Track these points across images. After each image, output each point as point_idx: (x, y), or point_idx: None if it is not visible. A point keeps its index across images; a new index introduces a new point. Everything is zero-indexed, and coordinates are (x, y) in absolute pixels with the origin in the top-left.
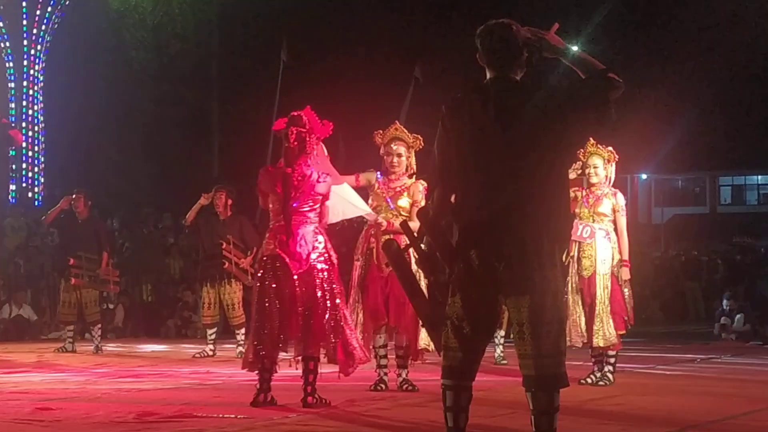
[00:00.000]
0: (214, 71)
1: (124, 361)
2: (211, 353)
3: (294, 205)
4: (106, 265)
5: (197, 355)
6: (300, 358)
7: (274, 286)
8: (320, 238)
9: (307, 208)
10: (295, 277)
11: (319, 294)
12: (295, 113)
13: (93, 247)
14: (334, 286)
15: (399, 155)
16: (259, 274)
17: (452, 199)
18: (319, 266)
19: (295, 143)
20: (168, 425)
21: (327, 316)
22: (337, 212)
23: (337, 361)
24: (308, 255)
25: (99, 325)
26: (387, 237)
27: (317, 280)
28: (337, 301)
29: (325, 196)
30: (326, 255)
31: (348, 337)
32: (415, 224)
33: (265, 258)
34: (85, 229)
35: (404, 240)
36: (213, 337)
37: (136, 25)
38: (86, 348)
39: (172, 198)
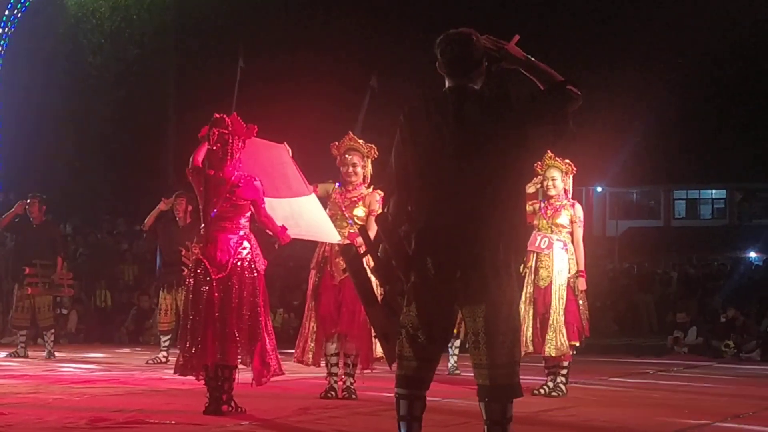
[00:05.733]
0: (171, 77)
1: (76, 366)
2: (164, 360)
3: (215, 210)
4: (61, 269)
5: (150, 362)
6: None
7: (197, 292)
8: (246, 244)
9: (230, 214)
10: (214, 283)
11: (236, 301)
12: (218, 115)
13: (48, 253)
14: (256, 294)
15: (354, 165)
16: (188, 281)
17: (409, 206)
18: (239, 273)
19: (217, 145)
20: (120, 431)
21: (243, 323)
22: (302, 229)
23: (252, 369)
24: (229, 261)
25: (52, 331)
26: (346, 242)
27: (235, 287)
28: (258, 309)
29: (256, 201)
30: (250, 262)
31: (266, 347)
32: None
33: (191, 264)
34: (39, 234)
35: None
36: (167, 344)
37: (93, 30)
38: (39, 353)
39: (127, 204)
